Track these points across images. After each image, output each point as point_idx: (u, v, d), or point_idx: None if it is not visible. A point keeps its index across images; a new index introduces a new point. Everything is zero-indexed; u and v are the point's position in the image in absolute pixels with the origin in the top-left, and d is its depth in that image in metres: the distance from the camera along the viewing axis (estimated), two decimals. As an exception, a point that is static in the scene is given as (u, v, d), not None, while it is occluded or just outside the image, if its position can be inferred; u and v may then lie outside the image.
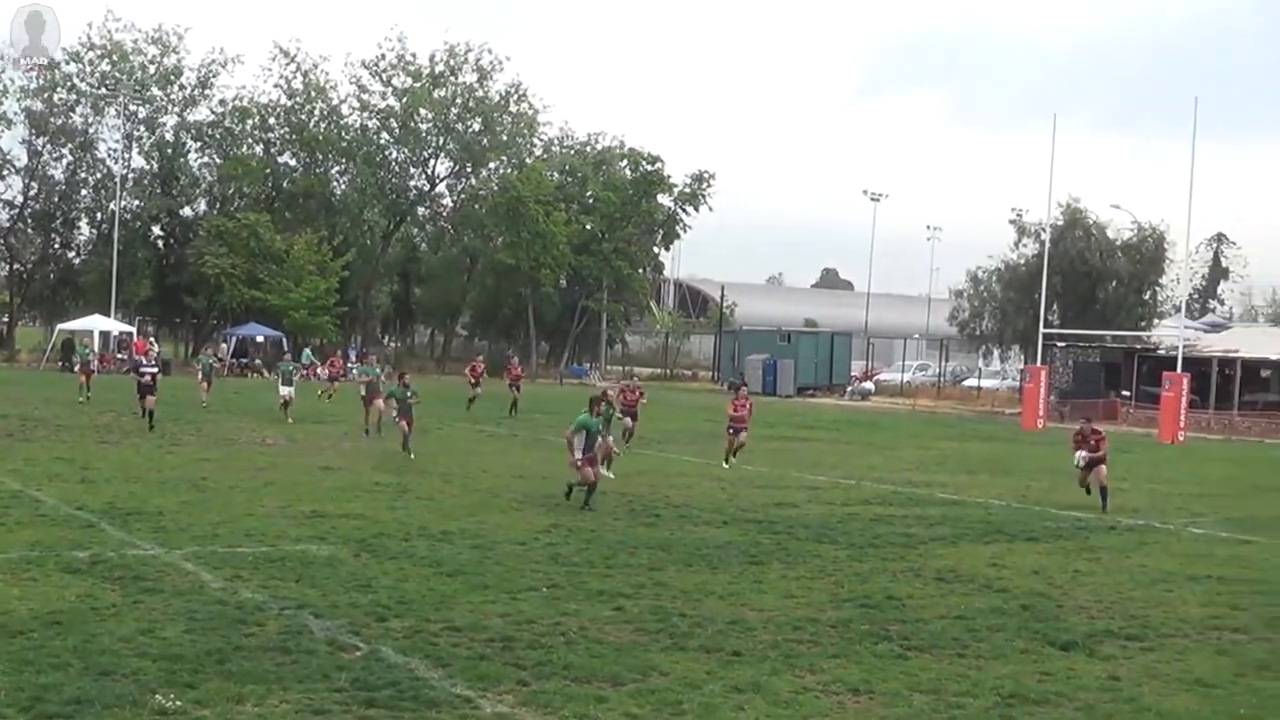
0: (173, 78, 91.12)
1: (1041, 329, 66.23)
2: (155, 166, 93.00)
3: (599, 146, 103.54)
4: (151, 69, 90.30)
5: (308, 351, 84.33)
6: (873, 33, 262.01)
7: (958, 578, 18.87)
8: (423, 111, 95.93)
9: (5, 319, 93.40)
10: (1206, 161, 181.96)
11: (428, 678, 12.34)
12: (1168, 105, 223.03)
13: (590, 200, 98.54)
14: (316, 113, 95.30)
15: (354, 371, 65.64)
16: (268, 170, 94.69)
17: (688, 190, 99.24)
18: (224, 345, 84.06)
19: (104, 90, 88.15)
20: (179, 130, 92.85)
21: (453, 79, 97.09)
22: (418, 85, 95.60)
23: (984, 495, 30.23)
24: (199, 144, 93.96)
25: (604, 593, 16.65)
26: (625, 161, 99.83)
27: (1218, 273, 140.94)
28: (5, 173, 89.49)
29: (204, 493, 24.90)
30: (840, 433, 50.84)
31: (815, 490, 29.71)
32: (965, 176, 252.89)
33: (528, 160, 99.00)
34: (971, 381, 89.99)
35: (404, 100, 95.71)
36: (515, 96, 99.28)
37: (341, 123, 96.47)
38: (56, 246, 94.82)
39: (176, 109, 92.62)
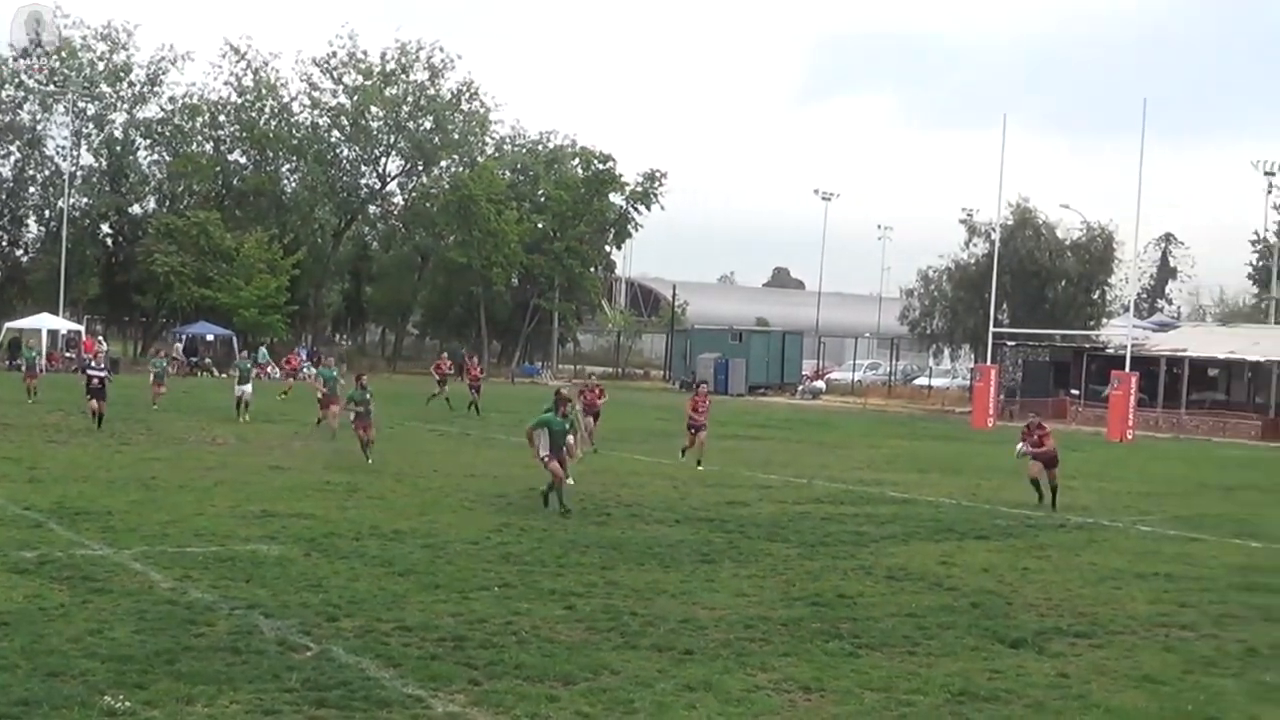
0: (122, 74, 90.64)
1: (991, 328, 66.47)
2: (104, 164, 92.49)
3: (551, 145, 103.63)
4: (100, 66, 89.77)
5: (264, 350, 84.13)
6: (822, 32, 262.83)
7: (908, 576, 18.93)
8: (374, 109, 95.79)
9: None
10: (1155, 162, 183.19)
11: (379, 677, 12.29)
12: (1116, 106, 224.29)
13: (542, 199, 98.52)
14: (267, 110, 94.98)
15: (305, 371, 65.25)
16: (218, 168, 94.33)
17: (639, 189, 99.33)
18: (178, 345, 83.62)
19: (52, 87, 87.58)
20: (128, 127, 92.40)
21: (404, 77, 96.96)
22: (369, 83, 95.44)
23: (934, 494, 30.33)
24: (148, 141, 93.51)
25: (556, 592, 16.63)
26: (577, 160, 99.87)
27: (1166, 272, 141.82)
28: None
29: (153, 492, 24.75)
30: (791, 431, 50.94)
31: (767, 489, 29.75)
32: (915, 176, 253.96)
33: (479, 159, 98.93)
34: (922, 380, 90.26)
35: (355, 98, 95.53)
36: (467, 95, 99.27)
37: (292, 120, 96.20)
38: (4, 244, 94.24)
39: (126, 106, 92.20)
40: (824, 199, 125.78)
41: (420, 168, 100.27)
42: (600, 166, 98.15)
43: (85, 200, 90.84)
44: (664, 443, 39.81)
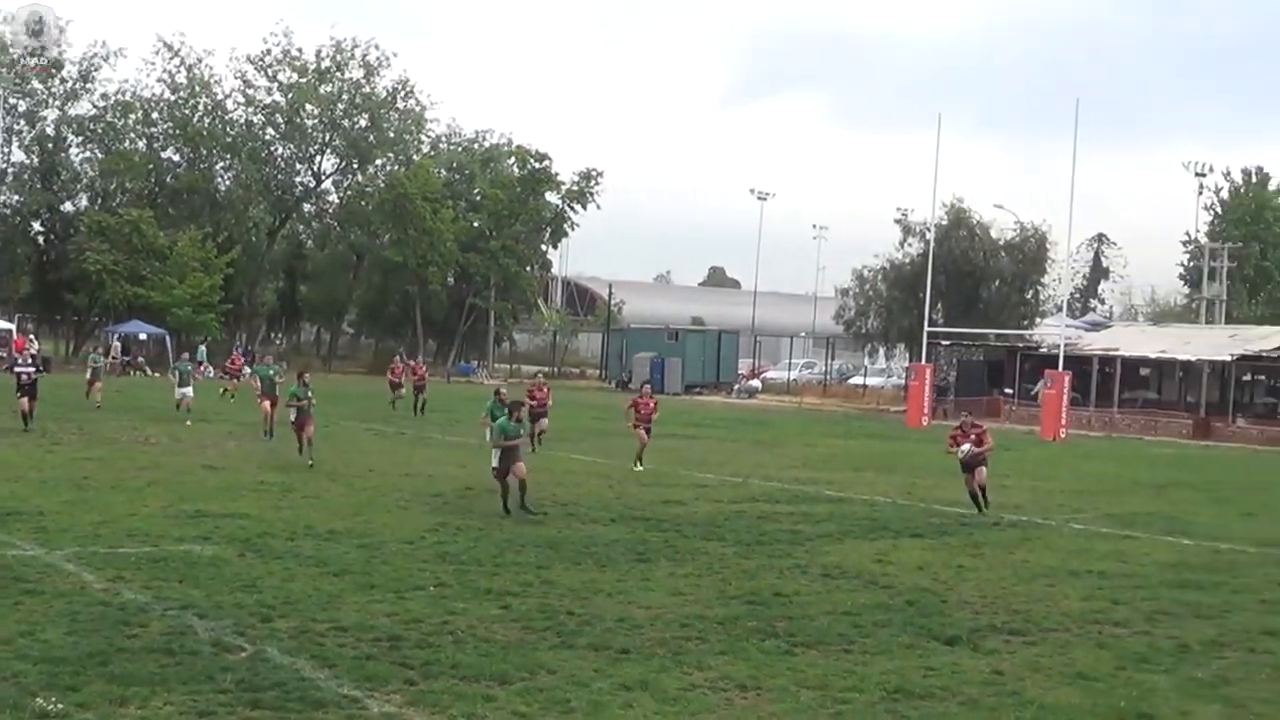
0: (54, 71, 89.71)
1: (926, 327, 66.77)
2: (35, 161, 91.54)
3: (486, 144, 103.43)
4: (32, 61, 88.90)
5: (203, 349, 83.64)
6: (755, 32, 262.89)
7: (844, 574, 19.01)
8: (309, 107, 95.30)
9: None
10: (1088, 163, 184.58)
11: (314, 678, 12.25)
12: (1048, 107, 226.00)
13: (478, 198, 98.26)
14: (200, 108, 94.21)
15: (247, 372, 64.72)
16: (150, 166, 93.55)
17: (576, 188, 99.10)
18: (116, 343, 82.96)
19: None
20: (60, 124, 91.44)
21: (339, 75, 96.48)
22: (303, 81, 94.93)
23: (869, 492, 30.47)
24: (80, 138, 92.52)
25: (491, 591, 16.62)
26: (513, 159, 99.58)
27: (1098, 272, 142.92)
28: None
29: (86, 492, 24.57)
30: (727, 430, 51.05)
31: (703, 488, 29.80)
32: (850, 176, 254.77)
33: (415, 157, 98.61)
34: (857, 379, 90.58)
35: (290, 96, 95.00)
36: (402, 93, 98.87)
37: (226, 118, 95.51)
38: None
39: (57, 102, 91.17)
40: (760, 198, 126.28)
41: (355, 166, 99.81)
42: (536, 165, 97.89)
43: (16, 198, 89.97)
44: (600, 442, 39.88)
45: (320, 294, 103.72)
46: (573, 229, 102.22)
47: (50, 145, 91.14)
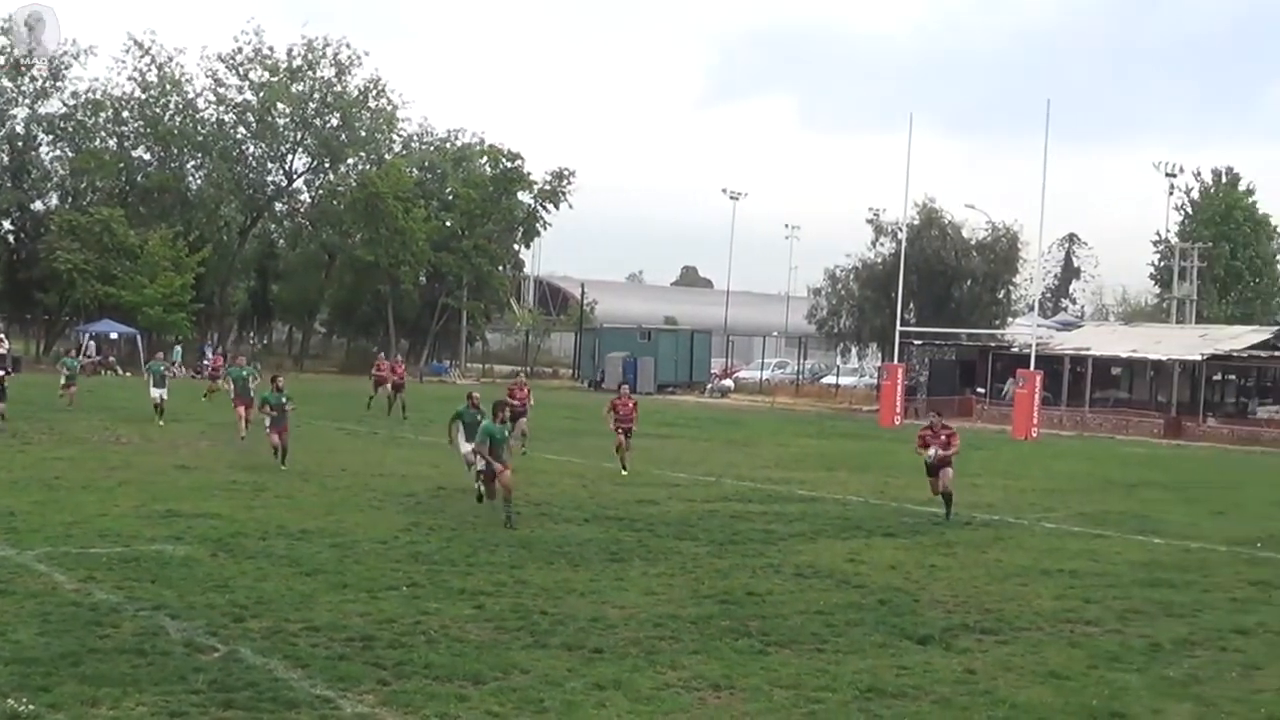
0: (23, 69, 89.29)
1: (898, 327, 66.89)
2: (5, 159, 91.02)
3: (458, 143, 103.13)
4: (0, 60, 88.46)
5: (178, 350, 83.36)
6: (727, 33, 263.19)
7: (816, 573, 19.05)
8: (280, 106, 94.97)
9: None
10: (1059, 163, 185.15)
11: (287, 678, 12.24)
12: (1020, 108, 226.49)
13: (450, 197, 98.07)
14: (171, 106, 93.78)
15: (209, 372, 64.34)
16: (121, 164, 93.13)
17: (548, 188, 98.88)
18: (91, 344, 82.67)
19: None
20: (30, 123, 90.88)
21: (310, 74, 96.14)
22: (275, 79, 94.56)
23: (842, 492, 30.52)
24: (50, 137, 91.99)
25: (465, 591, 16.61)
26: (485, 158, 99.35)
27: (1070, 272, 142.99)
28: None
29: (57, 492, 24.50)
30: (700, 430, 51.08)
31: (676, 487, 29.82)
32: (823, 176, 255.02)
33: (387, 156, 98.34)
34: (829, 379, 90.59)
35: (261, 94, 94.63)
36: (374, 92, 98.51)
37: (197, 117, 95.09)
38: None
39: (27, 101, 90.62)
40: (732, 198, 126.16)
41: (327, 165, 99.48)
42: (508, 165, 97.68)
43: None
44: (573, 441, 39.87)
45: (292, 293, 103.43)
46: (545, 228, 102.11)
47: (20, 144, 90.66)
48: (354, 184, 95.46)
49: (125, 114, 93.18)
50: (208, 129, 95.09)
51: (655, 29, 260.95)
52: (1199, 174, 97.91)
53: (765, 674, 13.15)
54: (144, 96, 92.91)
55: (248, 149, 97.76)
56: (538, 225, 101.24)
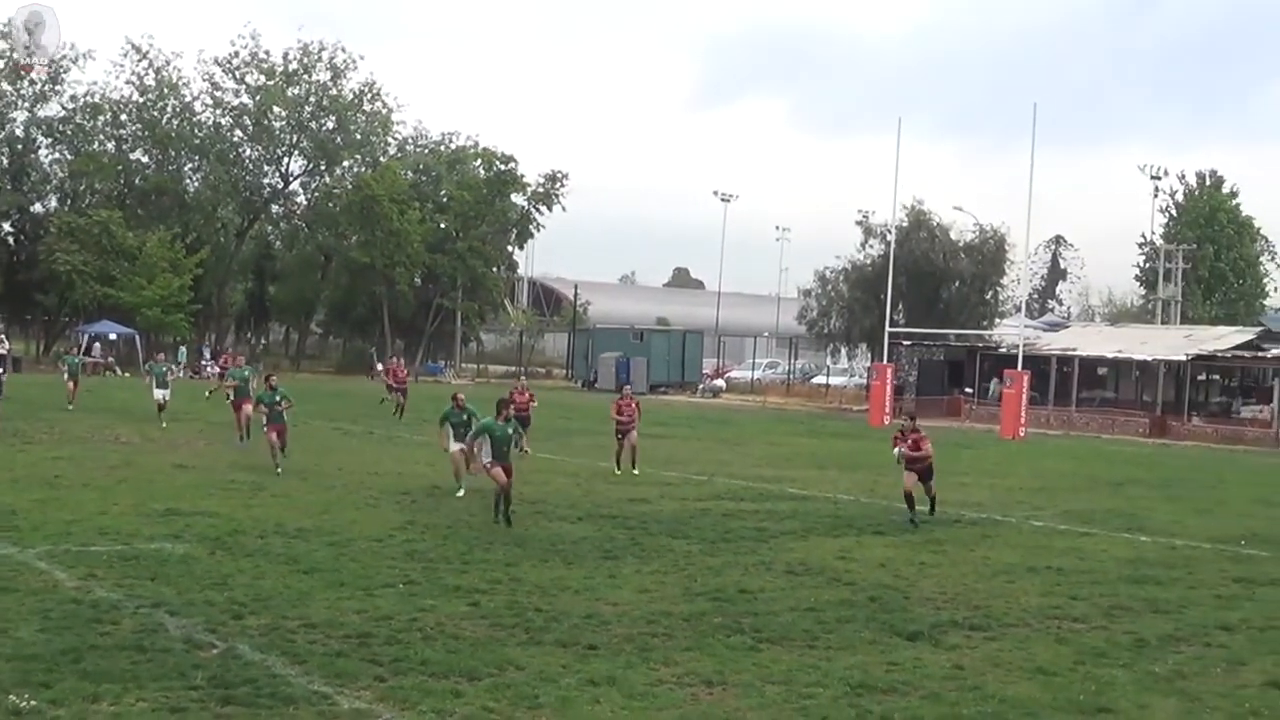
0: (23, 73, 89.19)
1: (887, 327, 66.93)
2: (5, 162, 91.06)
3: (453, 146, 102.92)
4: (0, 64, 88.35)
5: (183, 350, 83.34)
6: (718, 38, 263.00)
7: (807, 570, 19.06)
8: (276, 109, 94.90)
9: None
10: (1046, 166, 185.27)
11: (285, 675, 12.25)
12: (1007, 111, 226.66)
13: (444, 199, 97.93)
14: (169, 109, 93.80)
15: (215, 372, 64.03)
16: (120, 167, 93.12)
17: (541, 190, 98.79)
18: (96, 345, 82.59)
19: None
20: (29, 126, 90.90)
21: (306, 77, 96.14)
22: (271, 83, 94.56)
23: (832, 490, 30.54)
24: (50, 140, 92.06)
25: (460, 588, 16.62)
26: (479, 161, 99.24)
27: (1056, 274, 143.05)
28: None
29: (57, 491, 24.49)
30: (692, 429, 51.12)
31: (668, 486, 29.84)
32: (812, 179, 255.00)
33: (381, 159, 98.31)
34: (820, 379, 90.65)
35: (257, 98, 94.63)
36: (369, 95, 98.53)
37: (194, 120, 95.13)
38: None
39: (26, 104, 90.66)
40: (723, 200, 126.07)
41: (323, 167, 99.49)
42: (502, 167, 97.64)
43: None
44: (566, 440, 39.89)
45: (289, 294, 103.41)
46: (538, 230, 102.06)
47: (19, 147, 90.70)
48: (349, 186, 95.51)
49: (123, 117, 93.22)
50: (205, 132, 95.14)
51: (647, 32, 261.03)
52: (1183, 177, 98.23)
53: (757, 670, 13.16)
54: (142, 100, 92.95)
55: (244, 152, 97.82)
56: (531, 227, 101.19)
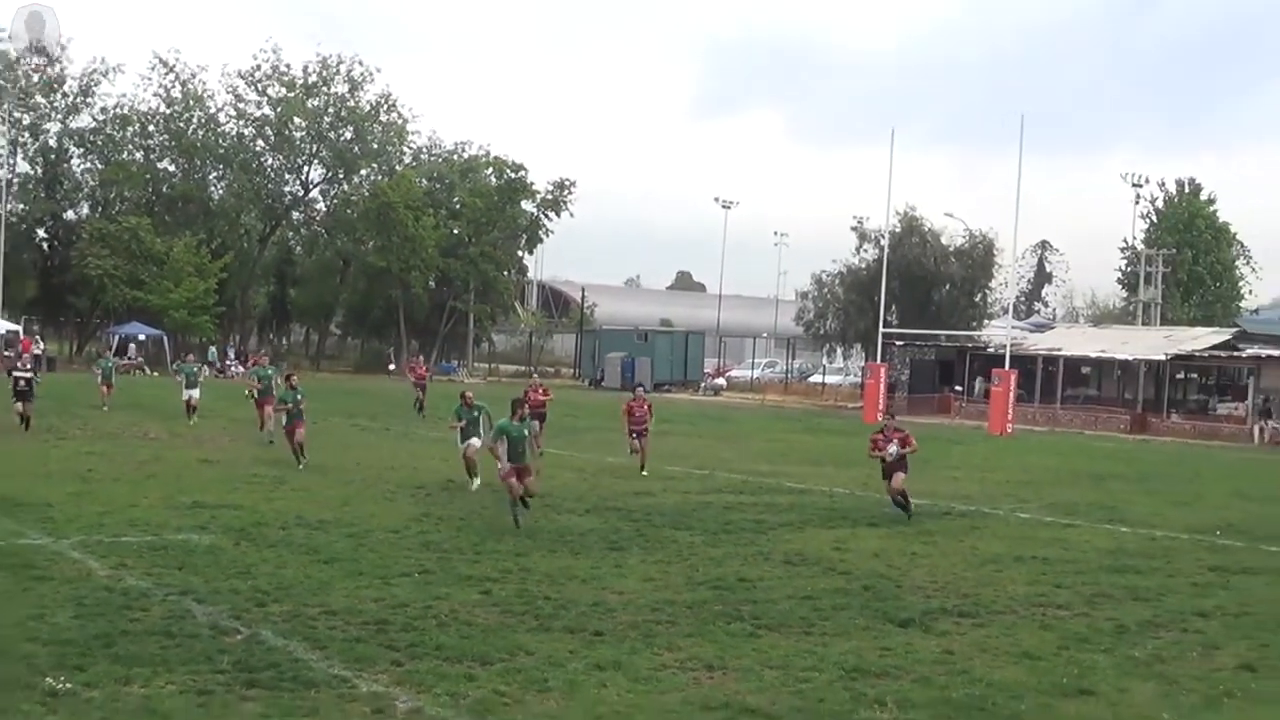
0: (56, 86, 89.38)
1: (881, 329, 66.97)
2: (39, 171, 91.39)
3: (465, 155, 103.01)
4: (35, 77, 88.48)
5: (213, 350, 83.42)
6: (718, 50, 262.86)
7: (804, 560, 19.06)
8: (296, 120, 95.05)
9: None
10: (1032, 174, 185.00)
11: (306, 659, 12.27)
12: (995, 121, 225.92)
13: (457, 206, 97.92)
14: (195, 120, 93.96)
15: (238, 371, 63.97)
16: (148, 175, 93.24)
17: (550, 196, 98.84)
18: (131, 345, 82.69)
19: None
20: (62, 136, 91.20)
21: (325, 89, 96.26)
22: (292, 95, 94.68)
23: (828, 484, 30.49)
24: (81, 150, 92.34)
25: (473, 577, 16.63)
26: (490, 169, 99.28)
27: (1042, 277, 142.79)
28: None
29: (90, 484, 24.52)
30: (694, 426, 51.07)
31: (671, 480, 29.82)
32: (809, 186, 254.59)
33: (397, 167, 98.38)
34: (816, 378, 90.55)
35: (278, 109, 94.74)
36: (385, 107, 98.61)
37: (219, 130, 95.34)
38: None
39: (59, 116, 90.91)
40: (724, 206, 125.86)
41: (341, 176, 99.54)
42: (512, 175, 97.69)
43: (22, 206, 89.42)
44: (574, 437, 39.88)
45: (309, 297, 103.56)
46: (547, 235, 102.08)
47: (53, 157, 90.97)
48: (367, 194, 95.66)
49: (151, 128, 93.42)
50: (229, 142, 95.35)
51: (650, 46, 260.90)
52: (1163, 184, 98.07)
53: (756, 655, 13.17)
54: (169, 111, 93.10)
55: (266, 161, 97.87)
56: (540, 232, 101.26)
